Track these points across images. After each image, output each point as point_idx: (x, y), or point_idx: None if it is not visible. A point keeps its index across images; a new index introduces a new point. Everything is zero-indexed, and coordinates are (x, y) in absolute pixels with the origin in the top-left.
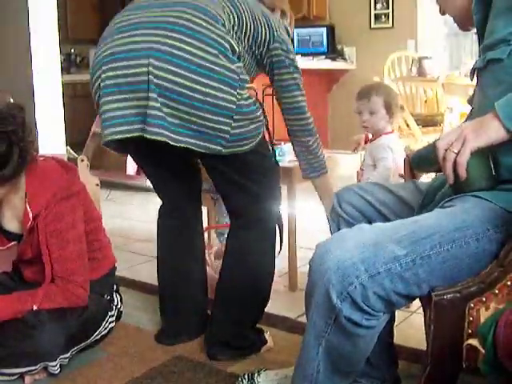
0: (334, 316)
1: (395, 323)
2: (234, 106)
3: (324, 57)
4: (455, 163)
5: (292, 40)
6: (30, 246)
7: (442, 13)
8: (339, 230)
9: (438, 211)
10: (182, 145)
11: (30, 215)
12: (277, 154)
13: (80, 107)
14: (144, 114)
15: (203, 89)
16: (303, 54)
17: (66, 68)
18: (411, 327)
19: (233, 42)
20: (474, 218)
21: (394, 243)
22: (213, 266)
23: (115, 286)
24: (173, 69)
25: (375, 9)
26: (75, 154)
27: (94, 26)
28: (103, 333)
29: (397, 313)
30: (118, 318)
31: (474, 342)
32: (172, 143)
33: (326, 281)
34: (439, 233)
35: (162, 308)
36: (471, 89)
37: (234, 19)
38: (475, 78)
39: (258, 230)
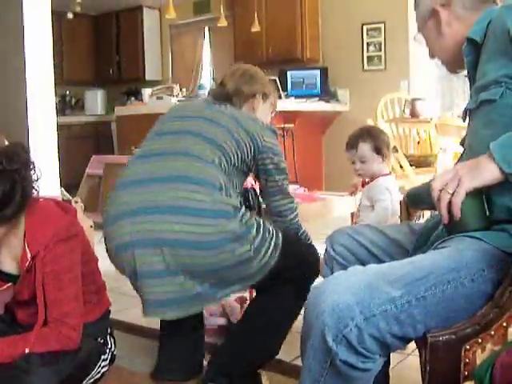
0: (329, 359)
1: (391, 366)
2: (252, 253)
3: (318, 99)
4: (450, 203)
5: (286, 83)
6: (26, 286)
7: (431, 56)
8: (332, 272)
9: (433, 252)
10: (223, 298)
11: (29, 255)
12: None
13: (74, 149)
14: (181, 297)
15: (221, 256)
16: (297, 97)
17: (60, 110)
18: (407, 370)
19: (233, 201)
20: (469, 258)
21: (388, 285)
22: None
23: (109, 329)
24: (188, 252)
25: (368, 51)
26: (69, 196)
27: (89, 69)
28: (96, 377)
29: (392, 355)
30: (112, 361)
31: None
32: (215, 303)
33: (321, 323)
34: (434, 274)
35: (161, 348)
36: (464, 130)
37: (222, 161)
38: (467, 119)
39: (291, 289)
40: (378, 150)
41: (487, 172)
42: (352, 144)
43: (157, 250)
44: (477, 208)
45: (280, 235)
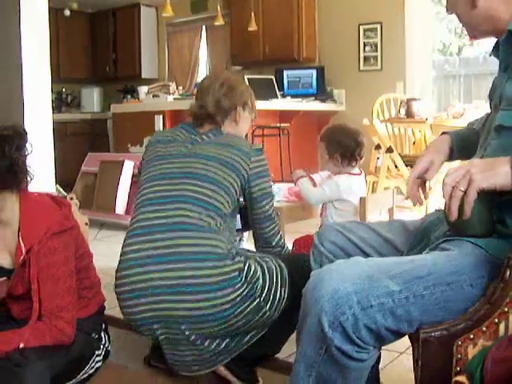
0: (325, 346)
1: (385, 363)
2: (263, 303)
3: (314, 98)
4: (460, 201)
5: (282, 82)
6: (21, 281)
7: (450, 12)
8: (321, 268)
9: (435, 253)
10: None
11: (23, 249)
12: None
13: (70, 146)
14: (209, 357)
15: (233, 321)
16: (293, 96)
17: (57, 107)
18: (400, 368)
19: (237, 264)
20: (470, 263)
21: (388, 279)
22: None
23: (104, 325)
24: (204, 325)
25: (364, 51)
26: (65, 193)
27: (85, 67)
28: (90, 372)
29: (385, 354)
30: (106, 357)
31: (462, 378)
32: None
33: (318, 309)
34: (434, 274)
35: None
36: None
37: (218, 220)
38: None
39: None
40: (330, 152)
41: (501, 175)
42: None
43: (175, 326)
44: (484, 213)
45: (282, 265)
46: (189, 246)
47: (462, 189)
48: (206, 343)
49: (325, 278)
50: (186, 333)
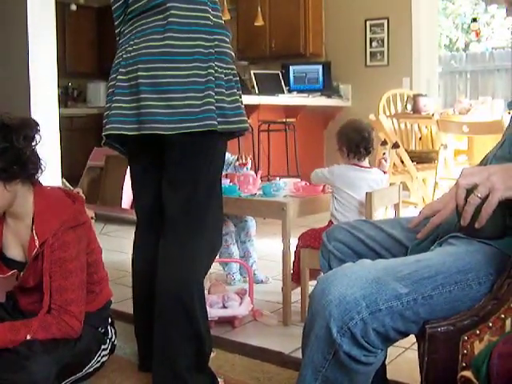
0: (333, 351)
1: (390, 359)
2: (213, 78)
3: (320, 94)
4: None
5: (288, 77)
6: (32, 274)
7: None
8: (330, 266)
9: (442, 251)
10: (170, 132)
11: (37, 242)
12: (271, 189)
13: (76, 141)
14: (139, 114)
15: (184, 71)
16: (299, 91)
17: (63, 101)
18: (405, 363)
19: None
20: (478, 261)
21: (396, 281)
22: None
23: (110, 319)
24: (160, 65)
25: (371, 47)
26: (71, 187)
27: (91, 61)
28: (96, 366)
29: (391, 349)
30: (112, 351)
31: (467, 373)
32: (164, 132)
33: (327, 314)
34: (442, 274)
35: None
36: (465, 126)
37: None
38: None
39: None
40: (338, 145)
41: None
42: None
43: (134, 66)
44: (498, 217)
45: None
46: None
47: (480, 196)
48: (149, 93)
49: (332, 283)
50: (141, 79)
